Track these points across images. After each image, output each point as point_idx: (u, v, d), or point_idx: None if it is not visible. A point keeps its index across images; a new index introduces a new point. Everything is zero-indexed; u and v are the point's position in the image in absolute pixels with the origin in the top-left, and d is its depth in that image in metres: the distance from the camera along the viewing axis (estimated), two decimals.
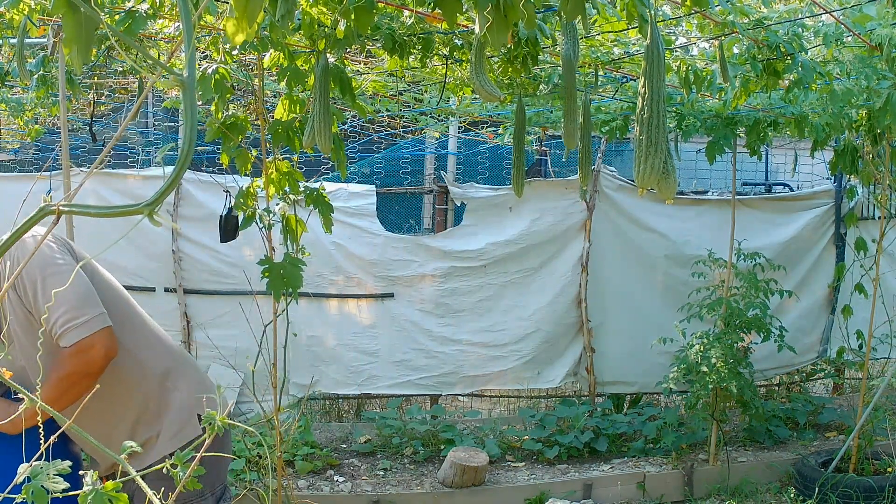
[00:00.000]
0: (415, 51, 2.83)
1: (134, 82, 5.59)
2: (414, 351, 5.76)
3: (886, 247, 4.72)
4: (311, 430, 5.33)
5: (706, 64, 3.32)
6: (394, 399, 5.87)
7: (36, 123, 6.04)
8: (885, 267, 5.18)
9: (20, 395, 1.65)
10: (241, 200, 3.19)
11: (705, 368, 4.73)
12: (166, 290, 5.55)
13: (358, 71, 4.13)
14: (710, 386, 4.72)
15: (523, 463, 5.27)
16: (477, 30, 1.68)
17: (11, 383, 1.24)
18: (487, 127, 6.87)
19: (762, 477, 5.03)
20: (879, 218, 4.77)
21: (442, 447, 5.20)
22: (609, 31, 3.10)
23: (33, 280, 2.15)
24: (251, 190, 3.22)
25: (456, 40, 2.98)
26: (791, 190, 6.87)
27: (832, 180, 6.21)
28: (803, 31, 2.96)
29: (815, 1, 2.82)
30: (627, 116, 4.57)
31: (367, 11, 2.06)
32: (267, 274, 3.08)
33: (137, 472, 1.43)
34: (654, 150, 1.89)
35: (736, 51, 3.13)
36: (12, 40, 3.37)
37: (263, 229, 3.30)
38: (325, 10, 2.50)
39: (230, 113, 3.11)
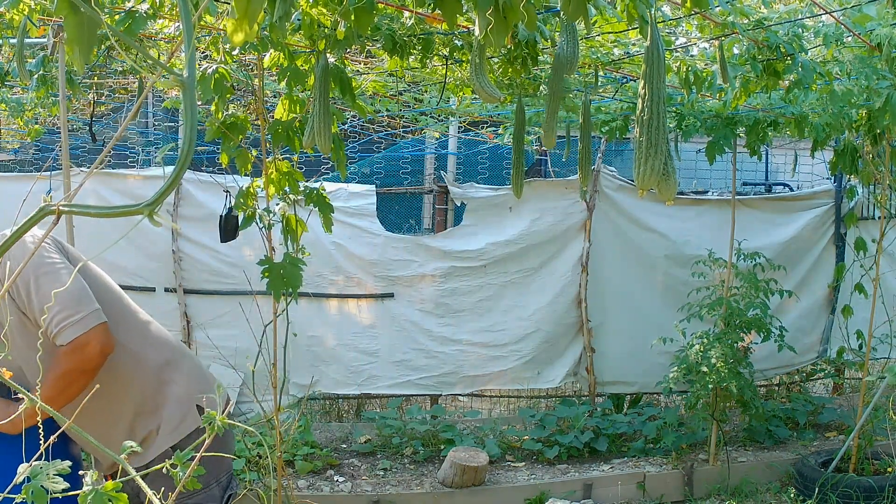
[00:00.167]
0: (415, 51, 2.83)
1: (134, 82, 5.59)
2: (414, 351, 5.76)
3: (886, 247, 4.72)
4: (311, 430, 5.33)
5: (706, 64, 3.32)
6: (394, 399, 5.87)
7: (36, 123, 6.04)
8: (885, 267, 5.18)
9: (20, 396, 1.65)
10: (241, 200, 3.19)
11: (705, 368, 4.73)
12: (166, 290, 5.55)
13: (358, 71, 4.13)
14: (710, 386, 4.72)
15: (523, 463, 5.27)
16: (477, 31, 1.68)
17: (11, 383, 1.24)
18: (487, 127, 6.87)
19: (762, 477, 5.03)
20: (879, 218, 4.77)
21: (442, 447, 5.20)
22: (609, 32, 3.10)
23: (26, 281, 2.15)
24: (251, 190, 3.22)
25: (456, 41, 2.98)
26: (791, 190, 6.87)
27: (832, 180, 6.21)
28: (803, 32, 2.96)
29: (815, 1, 2.82)
30: (627, 117, 4.57)
31: (367, 12, 2.06)
32: (267, 274, 3.08)
33: (140, 468, 1.43)
34: (655, 152, 1.89)
35: (736, 51, 3.13)
36: (12, 40, 3.37)
37: (263, 229, 3.30)
38: (324, 10, 2.50)
39: (230, 113, 3.11)
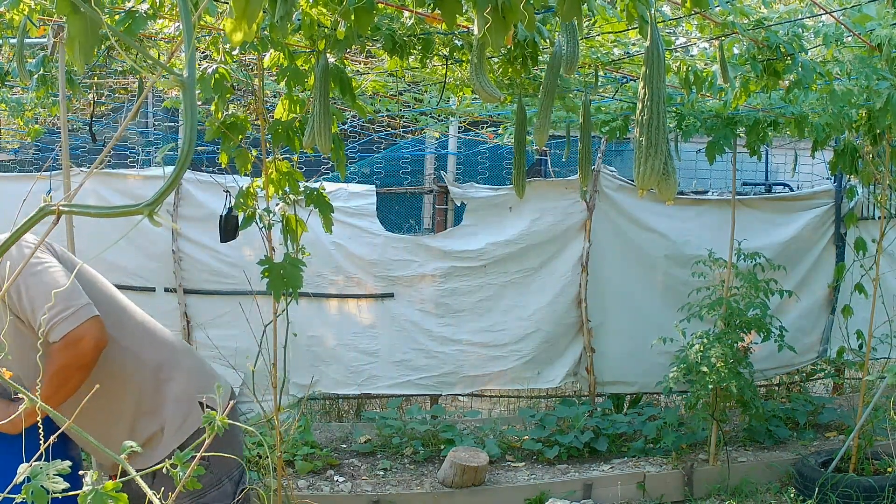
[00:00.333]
0: (415, 51, 2.83)
1: (134, 82, 5.59)
2: (414, 351, 5.76)
3: (886, 247, 4.72)
4: (311, 430, 5.33)
5: (706, 64, 3.32)
6: (394, 399, 5.87)
7: (36, 123, 6.04)
8: (885, 267, 5.18)
9: (19, 396, 1.65)
10: (241, 200, 3.19)
11: (705, 368, 4.73)
12: (166, 290, 5.55)
13: (358, 71, 4.13)
14: (710, 386, 4.72)
15: (523, 463, 5.27)
16: (476, 31, 1.68)
17: (11, 383, 1.24)
18: (487, 127, 6.87)
19: (762, 477, 5.03)
20: (879, 218, 4.77)
21: (442, 447, 5.20)
22: (609, 32, 3.10)
23: (18, 288, 2.15)
24: (251, 190, 3.22)
25: (456, 41, 2.98)
26: (791, 190, 6.87)
27: (832, 180, 6.21)
28: (803, 32, 2.96)
29: (815, 1, 2.82)
30: (627, 117, 4.57)
31: (367, 12, 2.06)
32: (267, 274, 3.08)
33: (148, 468, 1.43)
34: (654, 152, 1.89)
35: (736, 51, 3.13)
36: (12, 40, 3.37)
37: (263, 229, 3.30)
38: (324, 10, 2.50)
39: (230, 113, 3.11)
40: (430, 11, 2.52)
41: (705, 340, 4.86)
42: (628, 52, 3.37)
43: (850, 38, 3.11)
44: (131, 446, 1.37)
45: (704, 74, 3.21)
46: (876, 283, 4.66)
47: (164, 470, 1.43)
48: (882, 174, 4.60)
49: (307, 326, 5.53)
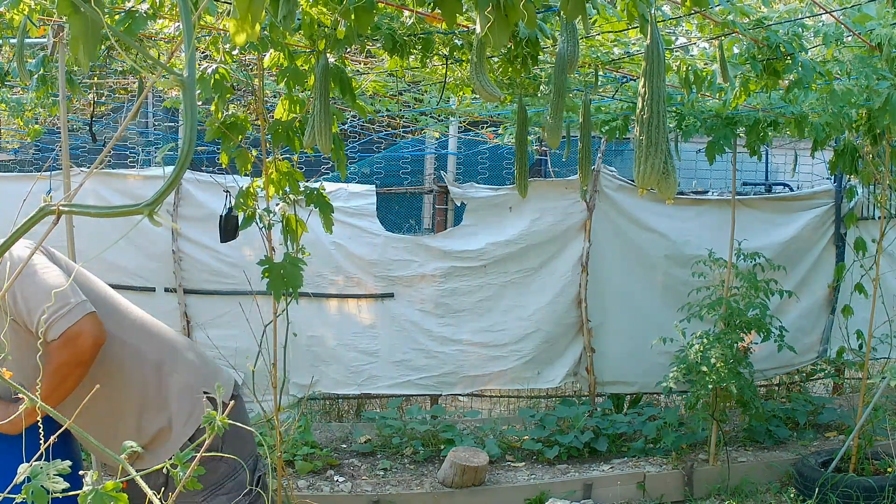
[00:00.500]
0: (415, 51, 2.83)
1: (134, 82, 5.59)
2: (414, 351, 5.75)
3: (886, 247, 4.72)
4: (311, 430, 5.33)
5: (706, 64, 3.32)
6: (394, 399, 5.87)
7: (36, 123, 6.04)
8: (885, 267, 5.18)
9: (19, 396, 1.65)
10: (241, 200, 3.19)
11: (705, 368, 4.73)
12: (166, 290, 5.55)
13: (358, 71, 4.13)
14: (710, 386, 4.72)
15: (523, 463, 5.27)
16: (478, 30, 1.68)
17: (11, 383, 1.24)
18: (487, 127, 6.87)
19: (762, 477, 5.03)
20: (879, 218, 4.77)
21: (442, 447, 5.20)
22: (609, 31, 3.10)
23: (13, 293, 2.15)
24: (251, 190, 3.22)
25: (456, 40, 2.98)
26: (791, 190, 6.87)
27: (832, 180, 6.21)
28: (803, 31, 2.96)
29: (815, 1, 2.82)
30: (627, 116, 4.57)
31: (367, 12, 2.06)
32: (267, 274, 3.08)
33: (158, 464, 1.43)
34: (655, 151, 1.89)
35: (736, 51, 3.13)
36: (12, 40, 3.37)
37: (263, 229, 3.29)
38: (325, 10, 2.50)
39: (230, 113, 3.11)
40: (430, 11, 2.52)
41: (705, 340, 4.86)
42: (628, 52, 3.37)
43: (850, 38, 3.11)
44: (132, 447, 1.37)
45: (704, 74, 3.21)
46: (876, 283, 4.66)
47: (165, 470, 1.43)
48: (882, 174, 4.60)
49: (307, 326, 5.52)
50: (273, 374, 3.45)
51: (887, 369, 4.04)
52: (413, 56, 2.87)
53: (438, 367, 5.78)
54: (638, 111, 1.95)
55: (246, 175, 3.30)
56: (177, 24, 2.98)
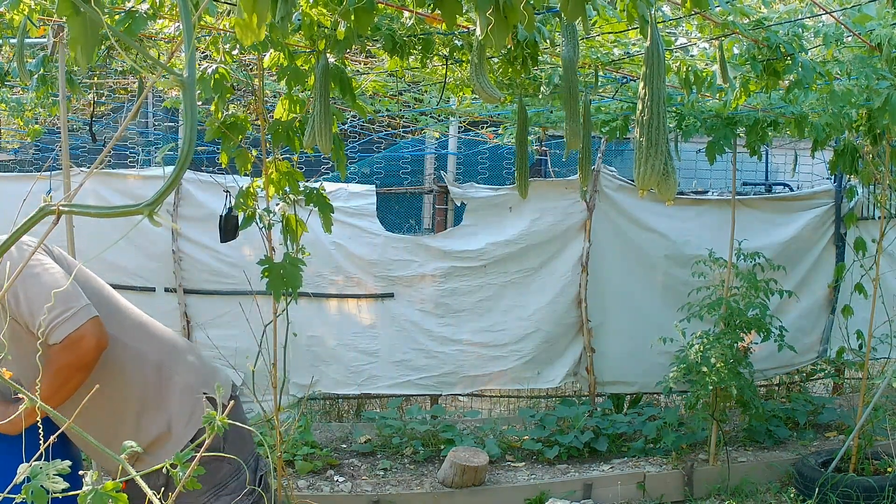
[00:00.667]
0: (415, 51, 2.83)
1: (134, 82, 5.59)
2: (414, 351, 5.76)
3: (886, 247, 4.72)
4: (311, 430, 5.33)
5: (706, 64, 3.32)
6: (394, 399, 5.87)
7: (36, 123, 6.04)
8: (885, 267, 5.18)
9: (19, 396, 1.65)
10: (241, 200, 3.19)
11: (705, 368, 4.73)
12: (166, 290, 5.55)
13: (358, 71, 4.13)
14: (710, 386, 4.72)
15: (523, 463, 5.27)
16: (478, 31, 1.68)
17: (11, 383, 1.24)
18: (487, 127, 6.87)
19: (762, 477, 5.03)
20: (879, 218, 4.77)
21: (442, 447, 5.20)
22: (609, 32, 3.10)
23: (16, 292, 2.15)
24: (251, 190, 3.22)
25: (456, 41, 2.98)
26: (791, 190, 6.87)
27: (832, 180, 6.21)
28: (803, 32, 2.96)
29: (814, 1, 2.82)
30: (627, 117, 4.57)
31: (367, 12, 2.07)
32: (267, 274, 3.08)
33: (158, 464, 1.43)
34: (655, 152, 1.89)
35: (736, 51, 3.13)
36: (12, 40, 3.37)
37: (263, 229, 3.30)
38: (324, 10, 2.50)
39: (230, 113, 3.11)
40: (430, 11, 2.52)
41: (705, 340, 4.86)
42: (628, 52, 3.37)
43: (850, 38, 3.11)
44: (132, 447, 1.37)
45: (704, 74, 3.21)
46: (876, 283, 4.66)
47: (165, 470, 1.43)
48: (882, 174, 4.60)
49: (307, 326, 5.53)
50: (273, 374, 3.45)
51: (887, 369, 4.05)
52: (413, 56, 2.87)
53: (438, 367, 5.78)
54: (638, 112, 1.95)
55: (246, 175, 3.30)
56: (177, 24, 2.98)
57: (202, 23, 2.78)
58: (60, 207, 1.00)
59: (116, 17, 2.45)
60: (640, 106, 1.94)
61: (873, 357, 5.20)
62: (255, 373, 3.74)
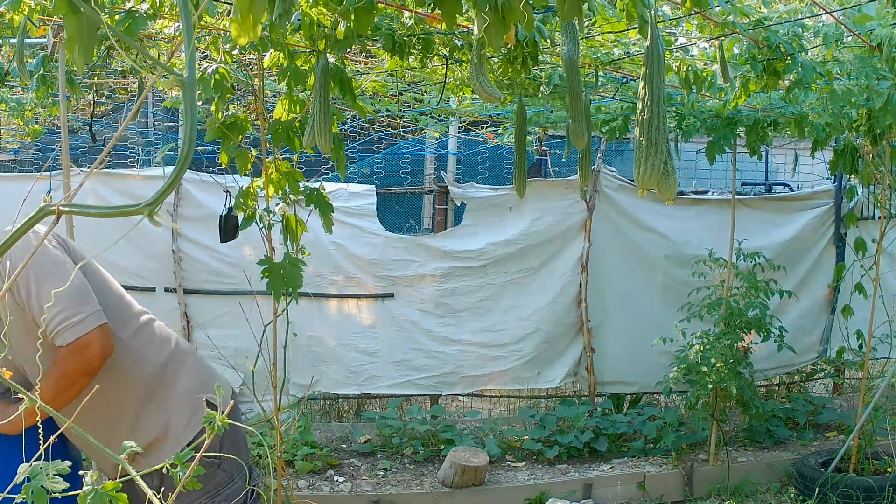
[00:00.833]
0: (415, 51, 2.83)
1: (134, 82, 5.59)
2: (414, 351, 5.76)
3: (886, 247, 4.72)
4: (311, 430, 5.33)
5: (706, 64, 3.32)
6: (394, 399, 5.87)
7: (36, 123, 6.04)
8: (885, 267, 5.18)
9: (20, 395, 1.65)
10: (241, 200, 3.19)
11: (705, 368, 4.73)
12: (166, 290, 5.55)
13: (358, 71, 4.13)
14: (710, 386, 4.72)
15: (523, 463, 5.27)
16: (476, 31, 1.68)
17: (11, 383, 1.24)
18: (487, 127, 6.87)
19: (762, 477, 5.03)
20: (879, 218, 4.77)
21: (442, 447, 5.20)
22: (609, 32, 3.10)
23: (26, 278, 2.14)
24: (251, 190, 3.22)
25: (456, 41, 2.98)
26: (791, 190, 6.87)
27: (832, 180, 6.21)
28: (803, 32, 2.96)
29: (814, 1, 2.82)
30: (627, 116, 4.57)
31: (367, 12, 2.07)
32: (267, 274, 3.08)
33: (151, 467, 1.43)
34: (655, 152, 1.89)
35: (736, 51, 3.13)
36: (12, 40, 3.37)
37: (263, 229, 3.29)
38: (324, 10, 2.50)
39: (230, 113, 3.11)
40: (430, 11, 2.52)
41: (705, 340, 4.86)
42: (628, 52, 3.37)
43: (850, 38, 3.11)
44: (132, 446, 1.37)
45: (704, 74, 3.21)
46: (876, 283, 4.66)
47: (165, 470, 1.43)
48: (882, 174, 4.60)
49: (307, 326, 5.53)
50: (273, 374, 3.45)
51: (887, 369, 4.05)
52: (413, 56, 2.87)
53: (438, 367, 5.78)
54: (638, 112, 1.95)
55: (246, 175, 3.30)
56: (177, 24, 2.98)
57: (202, 23, 2.78)
58: (60, 207, 1.00)
59: (116, 17, 2.45)
60: (639, 105, 1.94)
61: (873, 357, 5.20)
62: (255, 373, 3.74)
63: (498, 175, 7.78)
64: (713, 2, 2.54)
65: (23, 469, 1.26)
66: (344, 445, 5.50)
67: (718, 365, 4.71)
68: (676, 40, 3.39)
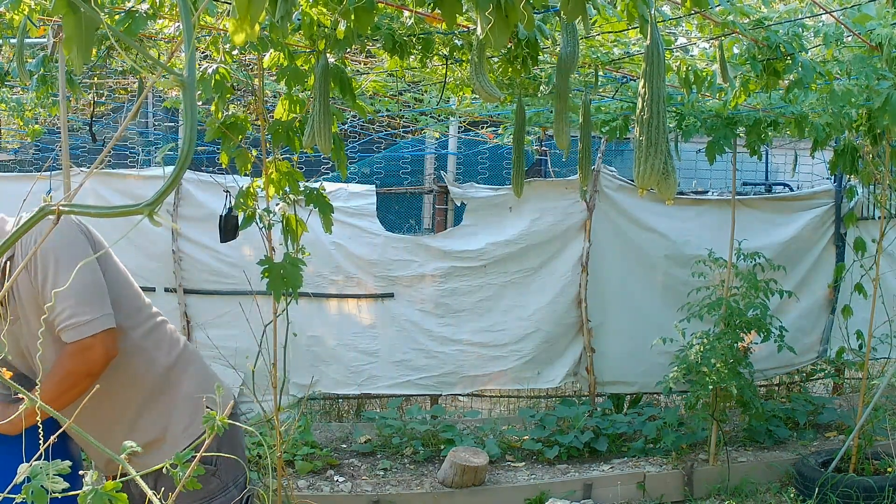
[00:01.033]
0: (415, 51, 2.83)
1: (134, 82, 5.59)
2: (414, 351, 5.76)
3: (886, 247, 4.72)
4: (311, 430, 5.33)
5: (706, 64, 3.32)
6: (394, 399, 5.87)
7: (36, 123, 6.04)
8: (885, 267, 5.18)
9: (19, 396, 1.65)
10: (241, 200, 3.19)
11: (705, 368, 4.73)
12: (166, 290, 5.55)
13: (358, 71, 4.13)
14: (710, 386, 4.72)
15: (523, 463, 5.27)
16: (478, 31, 1.68)
17: (11, 383, 1.24)
18: (487, 127, 6.87)
19: (762, 477, 5.03)
20: (879, 218, 4.77)
21: (442, 447, 5.20)
22: (609, 32, 3.10)
23: (45, 262, 2.12)
24: (251, 190, 3.22)
25: (456, 41, 2.98)
26: (791, 190, 6.87)
27: (832, 180, 6.21)
28: (803, 32, 2.96)
29: (815, 1, 2.82)
30: (627, 116, 4.57)
31: (367, 12, 2.06)
32: (267, 274, 3.08)
33: (149, 468, 1.43)
34: (654, 151, 1.89)
35: (736, 51, 3.13)
36: (12, 40, 3.37)
37: (263, 229, 3.29)
38: (324, 10, 2.50)
39: (230, 113, 3.11)
40: (430, 11, 2.52)
41: (705, 340, 4.86)
42: (628, 52, 3.37)
43: (850, 38, 3.10)
44: (131, 446, 1.37)
45: (704, 74, 3.21)
46: (876, 283, 4.66)
47: (165, 470, 1.43)
48: (882, 174, 4.60)
49: (307, 326, 5.53)
50: (273, 374, 3.45)
51: (887, 369, 4.05)
52: (413, 56, 2.87)
53: (438, 367, 5.78)
54: (638, 112, 1.95)
55: (246, 175, 3.30)
56: (177, 24, 2.98)
57: (202, 23, 2.78)
58: (60, 207, 1.00)
59: (116, 17, 2.45)
60: (639, 104, 1.94)
61: (873, 357, 5.20)
62: (255, 373, 3.74)
63: (498, 175, 7.78)
64: (713, 1, 2.54)
65: (23, 469, 1.26)
66: (344, 445, 5.50)
67: (718, 365, 4.71)
68: (676, 40, 3.38)
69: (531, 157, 7.62)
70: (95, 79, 5.26)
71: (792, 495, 4.65)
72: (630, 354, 5.87)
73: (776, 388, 6.62)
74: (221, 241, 4.00)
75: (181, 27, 1.04)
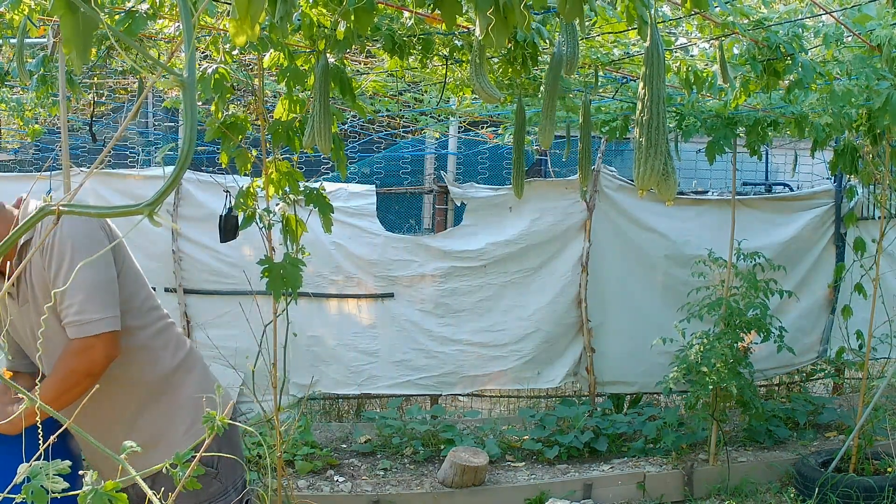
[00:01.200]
0: (415, 51, 2.83)
1: (134, 82, 5.59)
2: (414, 351, 5.76)
3: (886, 247, 4.72)
4: (311, 430, 5.33)
5: (706, 64, 3.32)
6: (394, 399, 5.87)
7: (36, 123, 6.04)
8: (884, 267, 5.18)
9: (19, 395, 1.65)
10: (241, 200, 3.19)
11: (705, 368, 4.73)
12: (166, 290, 5.55)
13: (358, 71, 4.13)
14: (710, 386, 4.72)
15: (523, 463, 5.27)
16: (478, 32, 1.68)
17: (11, 384, 1.24)
18: (487, 127, 6.87)
19: (762, 477, 5.03)
20: (879, 218, 4.77)
21: (442, 447, 5.20)
22: (609, 32, 3.10)
23: (61, 252, 2.11)
24: (251, 190, 3.22)
25: (456, 41, 2.98)
26: (791, 190, 6.87)
27: (832, 180, 6.21)
28: (803, 32, 2.96)
29: (814, 1, 2.82)
30: (627, 117, 4.57)
31: (366, 12, 2.07)
32: (267, 274, 3.08)
33: (149, 468, 1.43)
34: (654, 152, 1.89)
35: (736, 51, 3.13)
36: (12, 40, 3.37)
37: (263, 229, 3.29)
38: (324, 11, 2.50)
39: (230, 113, 3.11)
40: (430, 12, 2.52)
41: (705, 340, 4.86)
42: (628, 53, 3.37)
43: (850, 38, 3.11)
44: (131, 446, 1.37)
45: (704, 74, 3.21)
46: (876, 283, 4.66)
47: (165, 470, 1.43)
48: (882, 174, 4.60)
49: (307, 326, 5.53)
50: (273, 374, 3.45)
51: (887, 369, 4.05)
52: (413, 56, 2.87)
53: (438, 367, 5.78)
54: (638, 113, 1.95)
55: (246, 175, 3.30)
56: (177, 24, 2.98)
57: (202, 23, 2.78)
58: (60, 207, 1.00)
59: (116, 17, 2.45)
60: (639, 106, 1.94)
61: (873, 357, 5.20)
62: (255, 373, 3.74)
63: (498, 175, 7.78)
64: (713, 2, 2.54)
65: (23, 469, 1.26)
66: (344, 445, 5.50)
67: (718, 365, 4.71)
68: (676, 41, 3.38)
69: (531, 157, 7.62)
70: (95, 79, 5.26)
71: (792, 495, 4.65)
72: (630, 354, 5.87)
73: (776, 388, 6.62)
74: (221, 241, 4.00)
75: (181, 27, 1.04)
